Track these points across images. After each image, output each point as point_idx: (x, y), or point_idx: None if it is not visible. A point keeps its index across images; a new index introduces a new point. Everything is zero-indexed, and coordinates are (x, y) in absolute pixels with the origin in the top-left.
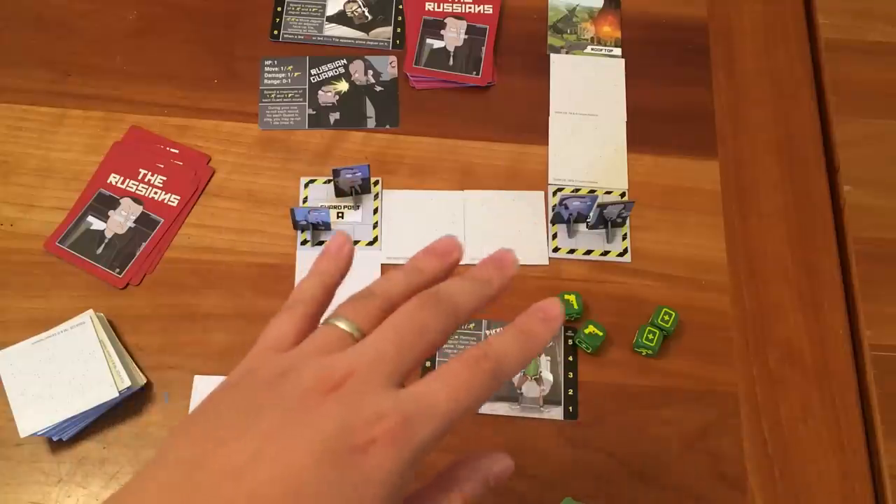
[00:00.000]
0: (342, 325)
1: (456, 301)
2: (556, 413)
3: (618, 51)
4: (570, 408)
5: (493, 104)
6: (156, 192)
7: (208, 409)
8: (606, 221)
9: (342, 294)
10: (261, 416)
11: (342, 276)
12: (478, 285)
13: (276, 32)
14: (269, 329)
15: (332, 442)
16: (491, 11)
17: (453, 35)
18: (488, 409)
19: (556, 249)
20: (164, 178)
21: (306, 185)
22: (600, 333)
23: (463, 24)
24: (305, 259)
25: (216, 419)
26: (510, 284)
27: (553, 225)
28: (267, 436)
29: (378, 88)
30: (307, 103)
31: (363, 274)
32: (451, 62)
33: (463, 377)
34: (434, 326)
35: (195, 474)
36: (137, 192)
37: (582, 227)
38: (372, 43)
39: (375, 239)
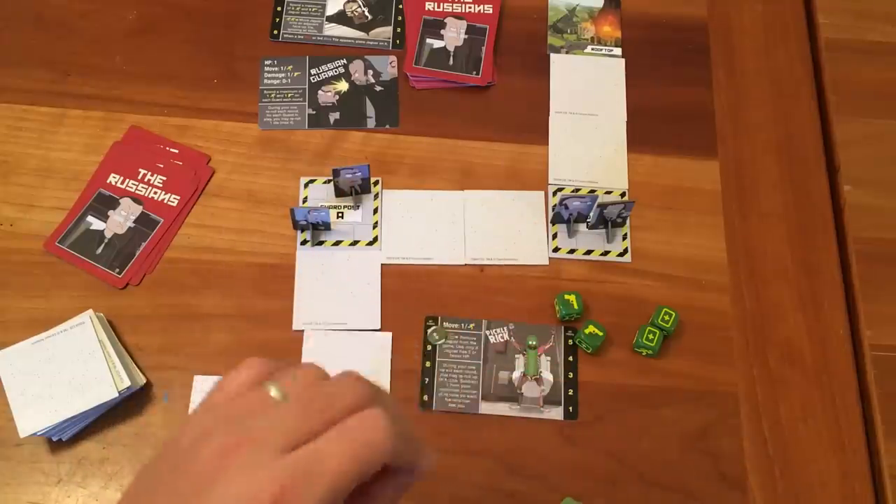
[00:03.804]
0: (272, 391)
1: (382, 398)
2: (556, 413)
3: (618, 51)
4: (570, 408)
5: (493, 104)
6: (156, 192)
7: (139, 488)
8: (606, 221)
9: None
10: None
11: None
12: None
13: (276, 32)
14: (223, 382)
15: None
16: (491, 11)
17: (453, 35)
18: (488, 409)
19: (556, 249)
20: (164, 178)
21: (306, 185)
22: (600, 333)
23: (463, 24)
24: (305, 259)
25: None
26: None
27: (553, 225)
28: None
29: (378, 88)
30: (307, 103)
31: (364, 274)
32: (451, 62)
33: (356, 433)
34: (348, 402)
35: None
36: (137, 192)
37: (582, 227)
38: (372, 43)
39: (375, 239)
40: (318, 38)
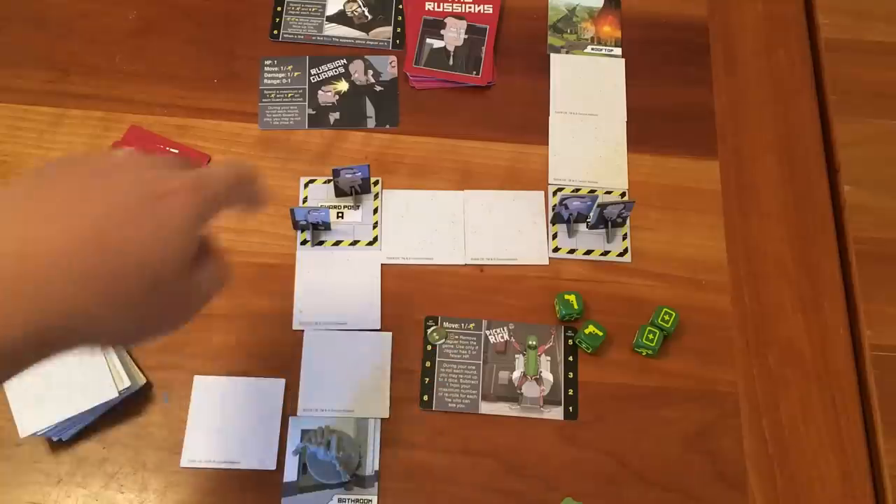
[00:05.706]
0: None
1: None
2: (556, 413)
3: (618, 51)
4: (570, 408)
5: (493, 104)
6: None
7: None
8: (606, 221)
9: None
10: (84, 174)
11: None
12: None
13: (276, 32)
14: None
15: (143, 188)
16: (491, 11)
17: (453, 35)
18: (488, 409)
19: (556, 249)
20: None
21: (306, 185)
22: (600, 333)
23: (463, 24)
24: (305, 259)
25: (43, 177)
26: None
27: (553, 225)
28: (90, 186)
29: (378, 88)
30: (307, 103)
31: (364, 274)
32: (451, 62)
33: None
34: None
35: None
36: None
37: (582, 227)
38: (372, 43)
39: (375, 239)
40: (318, 38)
